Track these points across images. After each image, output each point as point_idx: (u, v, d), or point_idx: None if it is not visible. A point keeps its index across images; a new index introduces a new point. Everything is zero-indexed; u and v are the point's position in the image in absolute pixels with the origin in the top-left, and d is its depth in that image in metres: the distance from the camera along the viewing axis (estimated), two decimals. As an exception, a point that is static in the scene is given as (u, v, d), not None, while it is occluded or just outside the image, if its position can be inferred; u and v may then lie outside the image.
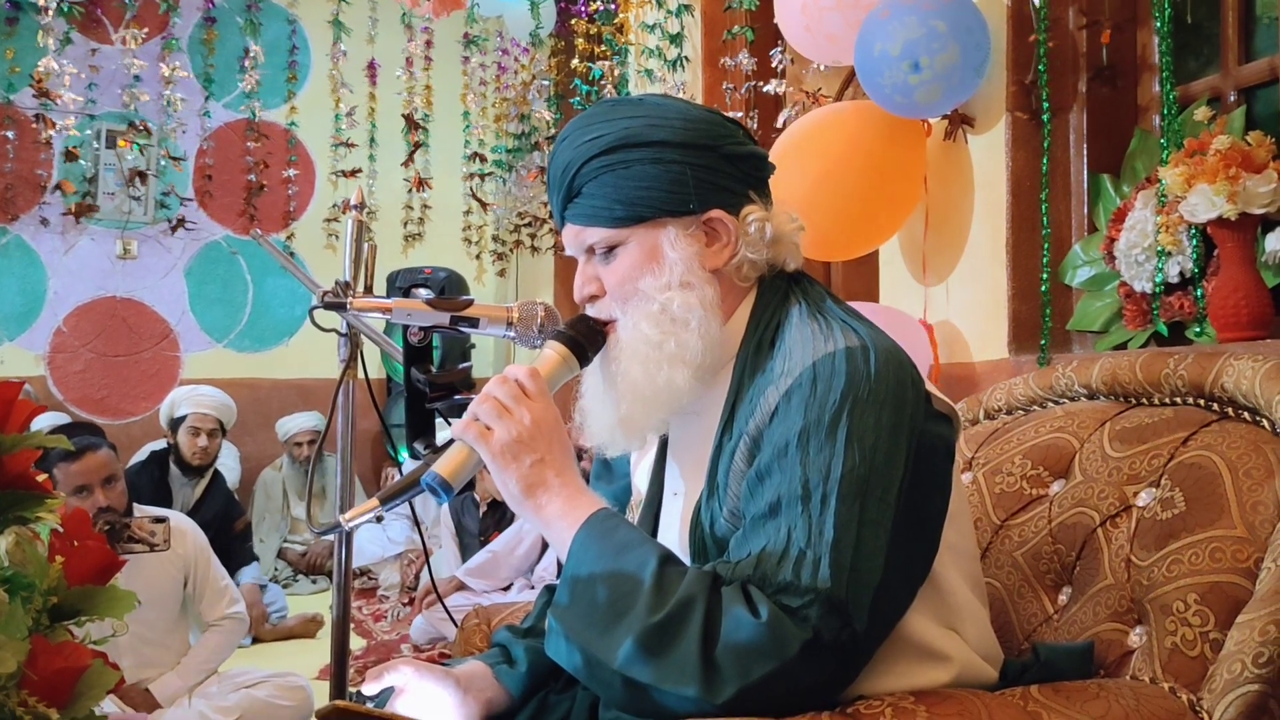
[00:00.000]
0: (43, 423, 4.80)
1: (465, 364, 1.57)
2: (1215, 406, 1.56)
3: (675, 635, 1.18)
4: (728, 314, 1.41)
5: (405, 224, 6.98)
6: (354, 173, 6.50)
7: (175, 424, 5.30)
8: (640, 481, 1.62)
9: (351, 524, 1.50)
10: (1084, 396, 1.83)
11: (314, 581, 6.16)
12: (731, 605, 1.18)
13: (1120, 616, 1.46)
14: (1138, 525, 1.50)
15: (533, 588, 4.62)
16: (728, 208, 1.40)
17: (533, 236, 6.58)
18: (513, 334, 1.56)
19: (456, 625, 2.04)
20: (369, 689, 1.48)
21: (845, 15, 2.82)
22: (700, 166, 1.39)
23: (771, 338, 1.37)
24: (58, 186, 6.34)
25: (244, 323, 7.07)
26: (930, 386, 1.34)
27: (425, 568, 5.46)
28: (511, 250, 7.00)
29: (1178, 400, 1.64)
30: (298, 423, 6.40)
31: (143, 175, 6.22)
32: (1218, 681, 1.25)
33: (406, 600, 5.54)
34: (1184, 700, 1.28)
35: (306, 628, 5.13)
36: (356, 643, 4.78)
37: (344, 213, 6.46)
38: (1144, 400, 1.70)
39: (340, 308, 1.58)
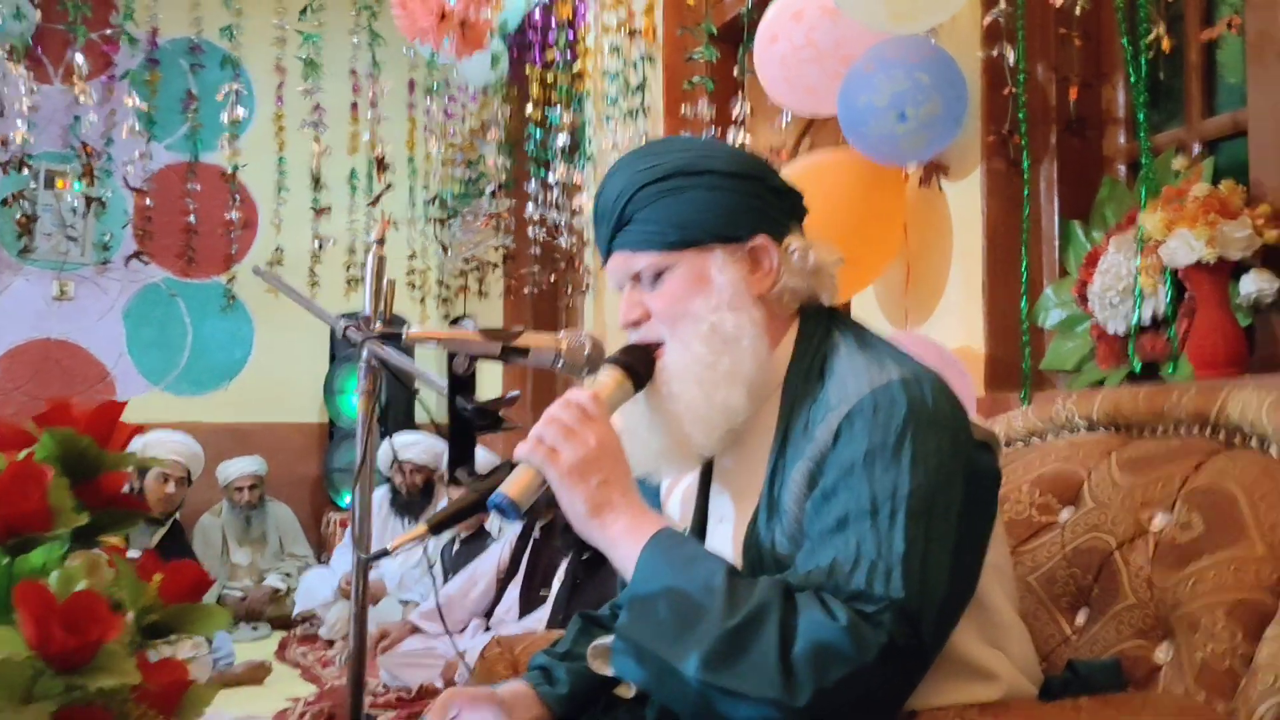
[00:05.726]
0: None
1: (513, 393, 1.60)
2: (1221, 436, 1.65)
3: (752, 639, 1.20)
4: (773, 341, 1.46)
5: (348, 267, 6.97)
6: (322, 211, 6.49)
7: (143, 469, 5.19)
8: (674, 511, 1.65)
9: (397, 551, 1.51)
10: (1084, 428, 1.91)
11: (254, 628, 6.04)
12: (807, 609, 1.22)
13: (1144, 634, 1.53)
14: (1156, 548, 1.57)
15: (488, 629, 4.58)
16: (772, 235, 1.46)
17: (480, 281, 6.59)
18: (560, 364, 1.59)
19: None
20: (431, 725, 1.50)
21: (825, 68, 2.92)
22: (748, 195, 1.45)
23: (820, 367, 1.42)
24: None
25: (182, 366, 6.96)
26: (972, 416, 1.41)
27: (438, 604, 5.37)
28: (457, 295, 7.00)
29: (1181, 431, 1.72)
30: (238, 467, 6.30)
31: (100, 202, 6.12)
32: (1251, 693, 1.32)
33: (356, 646, 5.44)
34: (1220, 710, 1.35)
35: (254, 674, 5.03)
36: (306, 688, 4.70)
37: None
38: (1147, 432, 1.79)
39: (396, 339, 1.61)
